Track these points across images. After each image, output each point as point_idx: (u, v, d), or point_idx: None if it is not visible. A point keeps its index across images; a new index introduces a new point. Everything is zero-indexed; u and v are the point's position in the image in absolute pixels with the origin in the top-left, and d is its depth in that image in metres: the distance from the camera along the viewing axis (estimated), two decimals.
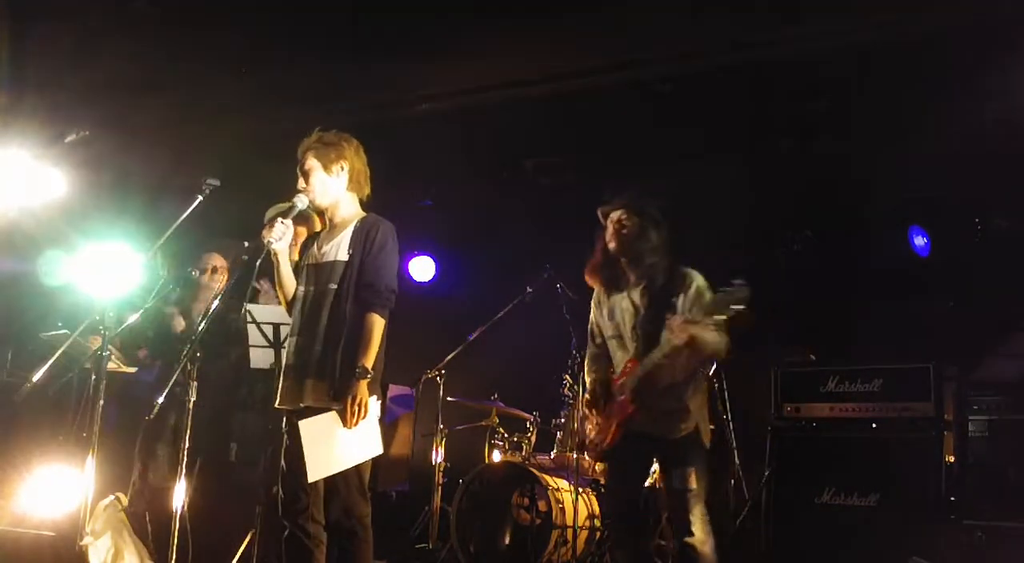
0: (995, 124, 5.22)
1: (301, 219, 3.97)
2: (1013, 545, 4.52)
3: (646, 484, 4.41)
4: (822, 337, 5.98)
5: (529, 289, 6.05)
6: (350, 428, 3.59)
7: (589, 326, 4.39)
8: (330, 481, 3.66)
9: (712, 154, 6.20)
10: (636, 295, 4.15)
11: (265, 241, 3.68)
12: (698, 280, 4.08)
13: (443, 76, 5.73)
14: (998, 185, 5.68)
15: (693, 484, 3.96)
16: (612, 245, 4.19)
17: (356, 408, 3.58)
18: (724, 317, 3.81)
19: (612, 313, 4.23)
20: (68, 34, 5.43)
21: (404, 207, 7.45)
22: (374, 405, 3.67)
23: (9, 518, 4.58)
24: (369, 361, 3.63)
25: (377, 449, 3.70)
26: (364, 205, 3.95)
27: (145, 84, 5.86)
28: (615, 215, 4.20)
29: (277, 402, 3.76)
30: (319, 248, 3.86)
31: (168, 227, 4.17)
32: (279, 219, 3.72)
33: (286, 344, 3.86)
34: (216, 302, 4.33)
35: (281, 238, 3.72)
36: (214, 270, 5.25)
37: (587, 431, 4.35)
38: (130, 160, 6.44)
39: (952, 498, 4.83)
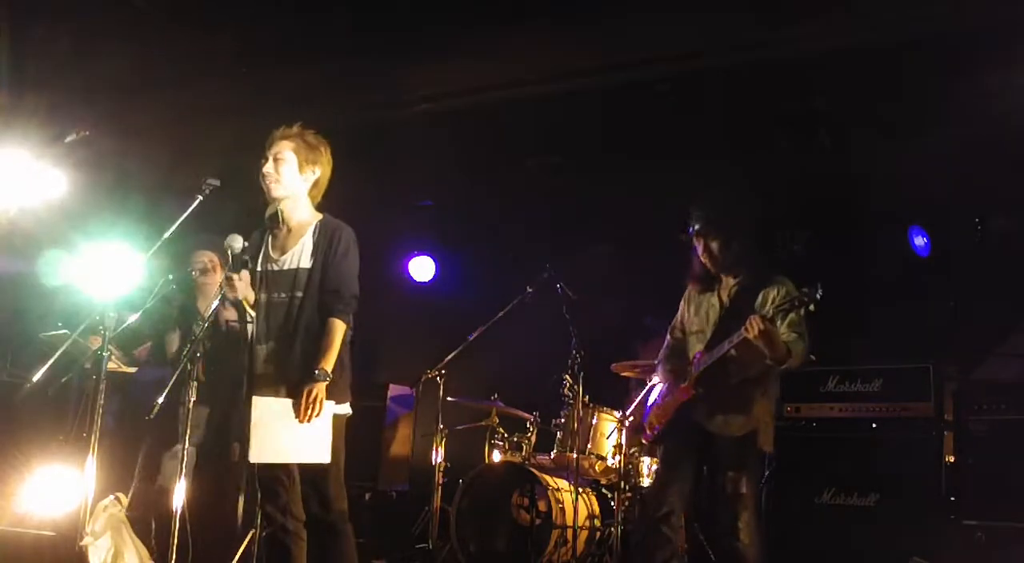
0: (995, 124, 5.22)
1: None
2: (1013, 545, 4.53)
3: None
4: (822, 337, 5.96)
5: (529, 289, 6.04)
6: (301, 422, 3.55)
7: (673, 320, 4.51)
8: (307, 477, 3.66)
9: (712, 154, 6.19)
10: (724, 293, 4.28)
11: (237, 298, 3.69)
12: (787, 285, 4.16)
13: (443, 76, 5.73)
14: (998, 185, 5.68)
15: (743, 488, 3.97)
16: (707, 263, 4.30)
17: (310, 402, 3.54)
18: (791, 317, 3.96)
19: (699, 308, 4.35)
20: (68, 34, 5.43)
21: (404, 207, 7.48)
22: (330, 409, 3.62)
23: (9, 518, 4.58)
24: (328, 364, 3.60)
25: (324, 457, 3.63)
26: (318, 207, 3.91)
27: (145, 84, 5.86)
28: (700, 240, 4.30)
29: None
30: (277, 253, 3.81)
31: (168, 227, 4.16)
32: (235, 277, 3.69)
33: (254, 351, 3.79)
34: (216, 302, 4.32)
35: (245, 289, 3.71)
36: (208, 268, 5.24)
37: (650, 415, 4.43)
38: (130, 160, 6.44)
39: (952, 498, 4.83)
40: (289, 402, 3.58)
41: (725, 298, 4.26)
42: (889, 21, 4.81)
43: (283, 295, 3.75)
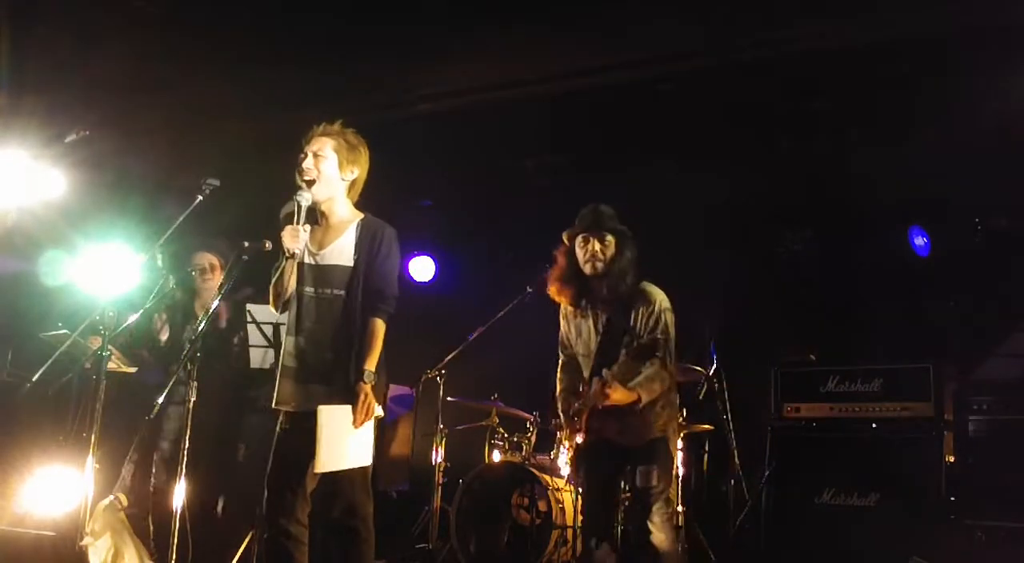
0: (995, 124, 5.22)
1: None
2: (1013, 545, 4.53)
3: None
4: (822, 337, 5.97)
5: (529, 289, 6.04)
6: (357, 427, 3.56)
7: (560, 337, 4.47)
8: (333, 479, 3.62)
9: (712, 153, 6.19)
10: (601, 316, 4.23)
11: (292, 251, 3.61)
12: (659, 301, 4.14)
13: (443, 76, 5.73)
14: (998, 185, 5.68)
15: (654, 481, 4.02)
16: (588, 270, 4.22)
17: (365, 408, 3.56)
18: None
19: (580, 331, 4.33)
20: (68, 34, 5.42)
21: (404, 207, 7.47)
22: (376, 412, 3.65)
23: (9, 518, 4.58)
24: (372, 365, 3.61)
25: (368, 459, 3.64)
26: (358, 206, 3.87)
27: (145, 84, 5.86)
28: (594, 246, 4.20)
29: (275, 402, 3.70)
30: (317, 247, 3.75)
31: (168, 227, 4.16)
32: (300, 227, 3.63)
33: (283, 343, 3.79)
34: (216, 302, 4.32)
35: (303, 244, 3.66)
36: (207, 269, 5.24)
37: (560, 437, 4.42)
38: (130, 160, 6.44)
39: (952, 498, 4.83)
40: (348, 408, 3.56)
41: (600, 326, 4.22)
42: (889, 21, 4.81)
43: (320, 290, 3.69)
